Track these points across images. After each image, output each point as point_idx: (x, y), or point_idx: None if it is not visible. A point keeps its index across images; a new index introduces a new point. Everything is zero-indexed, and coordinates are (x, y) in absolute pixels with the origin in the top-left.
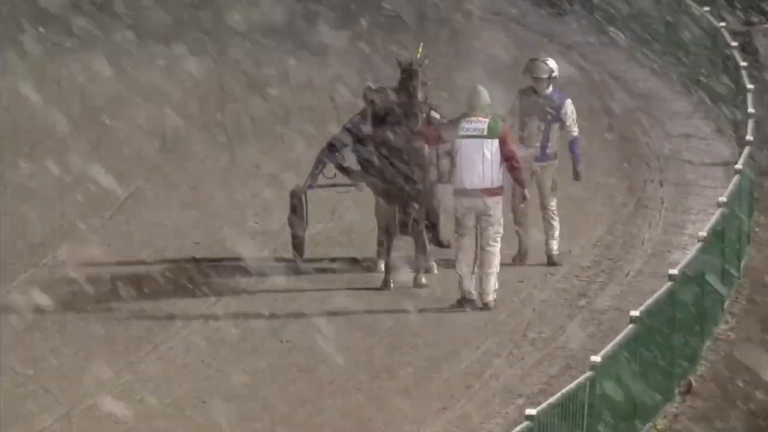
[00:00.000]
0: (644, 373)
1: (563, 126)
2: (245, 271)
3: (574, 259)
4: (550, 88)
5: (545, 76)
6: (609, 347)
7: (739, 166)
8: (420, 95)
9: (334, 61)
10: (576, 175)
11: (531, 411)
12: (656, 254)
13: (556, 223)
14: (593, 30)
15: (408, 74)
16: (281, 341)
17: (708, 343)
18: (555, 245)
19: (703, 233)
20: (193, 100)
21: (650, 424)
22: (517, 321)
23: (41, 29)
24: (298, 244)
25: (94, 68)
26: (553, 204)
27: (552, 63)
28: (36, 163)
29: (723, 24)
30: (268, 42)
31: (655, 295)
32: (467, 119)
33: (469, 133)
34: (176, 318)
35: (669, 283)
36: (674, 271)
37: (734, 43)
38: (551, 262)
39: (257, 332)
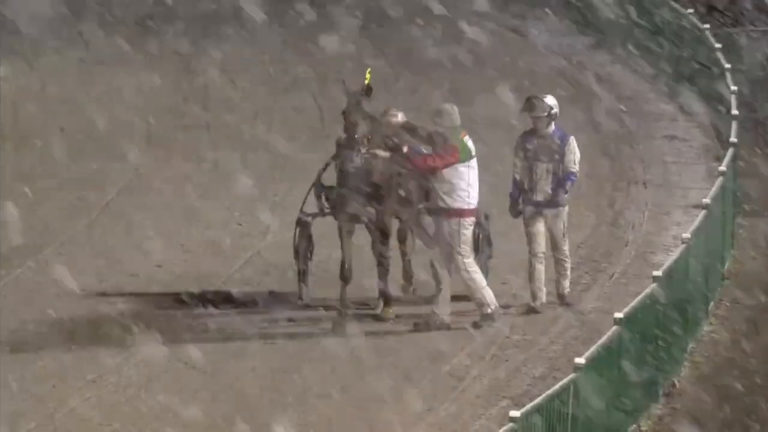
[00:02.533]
0: (628, 374)
1: (566, 162)
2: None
3: None
4: (552, 127)
5: (544, 114)
6: (593, 349)
7: (722, 167)
8: (361, 126)
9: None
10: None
11: (515, 412)
12: (640, 256)
13: (568, 264)
14: (575, 32)
15: (349, 104)
16: (266, 343)
17: (692, 344)
18: (567, 283)
19: (686, 234)
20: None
21: (635, 425)
22: (501, 322)
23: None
24: (302, 278)
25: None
26: (566, 248)
27: (550, 100)
28: None
29: (707, 26)
30: None
31: (640, 297)
32: (465, 138)
33: (474, 152)
34: (161, 319)
35: (653, 285)
36: (658, 273)
37: (718, 45)
38: (563, 301)
39: (242, 334)
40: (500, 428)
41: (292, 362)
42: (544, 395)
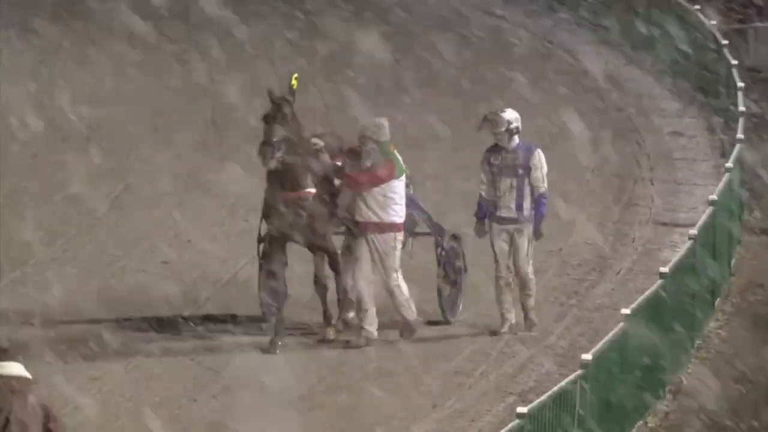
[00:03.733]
0: (635, 371)
1: (532, 179)
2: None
3: (564, 257)
4: (515, 141)
5: (503, 128)
6: (600, 345)
7: (729, 164)
8: (278, 130)
9: None
10: (537, 235)
11: (522, 409)
12: (647, 252)
13: (532, 284)
14: (584, 28)
15: (271, 108)
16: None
17: (699, 341)
18: (532, 302)
19: (693, 231)
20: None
21: (641, 422)
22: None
23: None
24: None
25: None
26: (529, 270)
27: (509, 114)
28: None
29: (713, 22)
30: None
31: (646, 293)
32: (396, 151)
33: (404, 166)
34: (162, 318)
35: (660, 281)
36: (665, 269)
37: (725, 42)
38: (528, 325)
39: (244, 326)
40: (507, 424)
41: (299, 359)
42: (551, 391)
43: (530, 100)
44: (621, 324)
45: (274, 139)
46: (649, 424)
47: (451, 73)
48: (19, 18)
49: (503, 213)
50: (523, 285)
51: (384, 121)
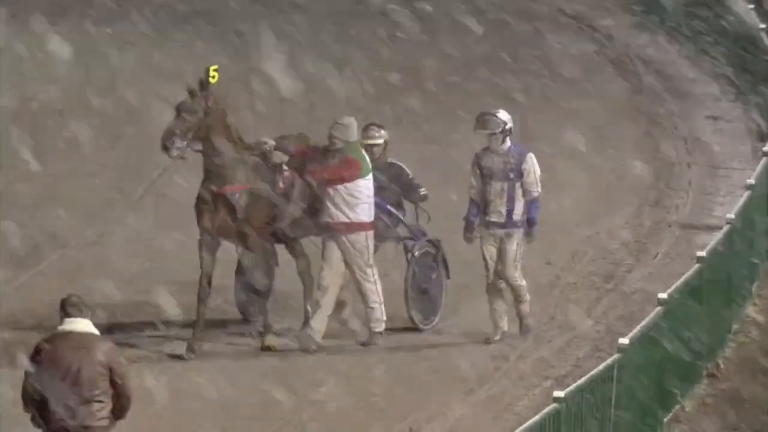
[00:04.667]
0: (672, 355)
1: (524, 183)
2: None
3: (601, 242)
4: (507, 143)
5: (498, 130)
6: (637, 329)
7: (767, 148)
8: (180, 121)
9: None
10: (530, 237)
11: (559, 393)
12: (684, 236)
13: (523, 288)
14: (620, 10)
15: (186, 99)
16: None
17: (736, 325)
18: (526, 308)
19: (731, 215)
20: None
21: (678, 406)
22: (545, 303)
23: None
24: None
25: None
26: (516, 275)
27: (503, 115)
28: None
29: (751, 6)
30: None
31: (683, 277)
32: (364, 151)
33: (371, 165)
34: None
35: (697, 266)
36: (702, 254)
37: (763, 25)
38: (523, 330)
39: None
40: (544, 409)
41: (337, 340)
42: (587, 376)
43: (565, 75)
44: (658, 308)
45: (177, 130)
46: (686, 409)
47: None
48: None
49: (493, 218)
50: (513, 291)
51: (352, 121)
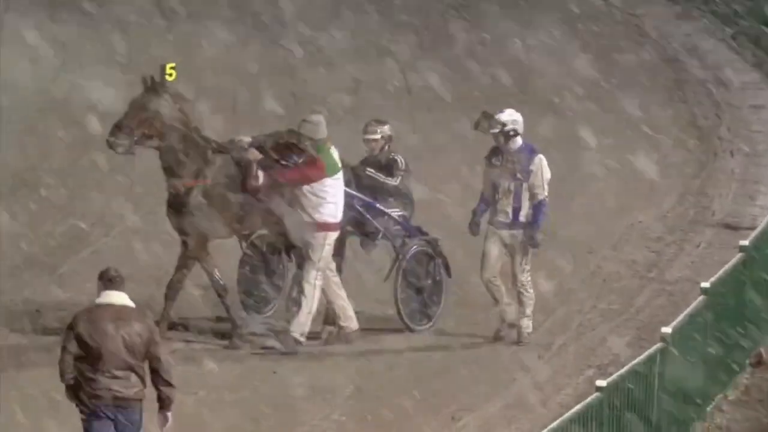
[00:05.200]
0: (715, 344)
1: (530, 185)
2: None
3: (644, 231)
4: (518, 143)
5: (497, 130)
6: (680, 318)
7: None
8: (129, 117)
9: None
10: (532, 244)
11: (601, 382)
12: (727, 225)
13: (527, 300)
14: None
15: (142, 95)
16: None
17: None
18: (527, 323)
19: None
20: None
21: (721, 395)
22: (587, 292)
23: None
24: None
25: None
26: (524, 278)
27: (506, 115)
28: None
29: None
30: None
31: (726, 266)
32: (332, 149)
33: (340, 164)
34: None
35: (740, 254)
36: (745, 243)
37: None
38: (519, 339)
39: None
40: (587, 397)
41: (377, 333)
42: (630, 365)
43: (606, 64)
44: (700, 297)
45: (124, 126)
46: (729, 397)
47: None
48: None
49: (500, 217)
50: (518, 299)
51: (320, 119)
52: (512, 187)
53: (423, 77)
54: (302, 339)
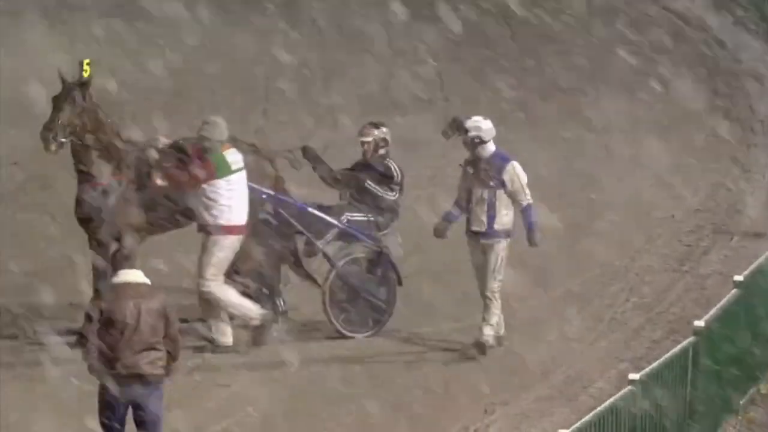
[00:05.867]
0: (748, 337)
1: (508, 193)
2: None
3: (677, 224)
4: (488, 150)
5: (471, 135)
6: (713, 312)
7: None
8: (63, 114)
9: None
10: (531, 242)
11: (634, 375)
12: (760, 218)
13: (495, 309)
14: None
15: (61, 92)
16: None
17: None
18: (488, 331)
19: None
20: None
21: (754, 389)
22: (620, 285)
23: None
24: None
25: None
26: (494, 286)
27: (471, 122)
28: None
29: None
30: None
31: (760, 259)
32: (227, 152)
33: (239, 166)
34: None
35: None
36: None
37: None
38: (479, 349)
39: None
40: (619, 391)
41: (408, 328)
42: (663, 358)
43: (641, 55)
44: (734, 291)
45: (59, 123)
46: (762, 391)
47: None
48: None
49: (474, 226)
50: (484, 306)
51: (220, 120)
52: (485, 195)
53: None
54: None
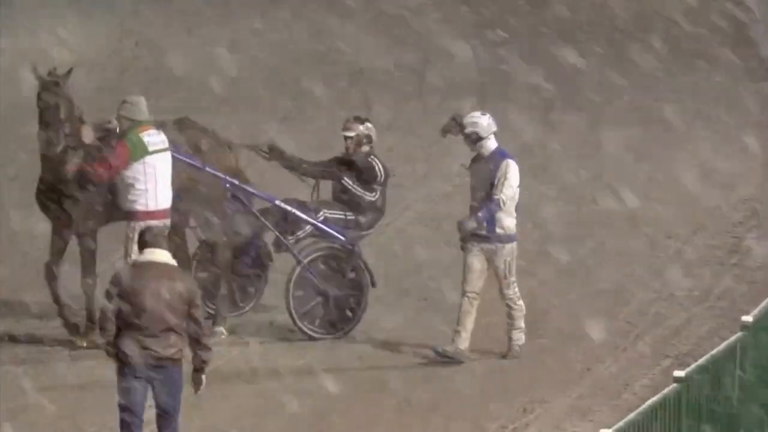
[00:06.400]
0: None
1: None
2: None
3: (724, 216)
4: (489, 147)
5: (467, 132)
6: (761, 306)
7: None
8: (63, 108)
9: None
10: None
11: (679, 372)
12: None
13: (517, 312)
14: None
15: (43, 86)
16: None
17: None
18: (517, 335)
19: None
20: None
21: None
22: (665, 279)
23: None
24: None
25: None
26: (511, 292)
27: (468, 117)
28: None
29: None
30: None
31: None
32: (145, 132)
33: (158, 147)
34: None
35: None
36: None
37: None
38: (510, 353)
39: None
40: (663, 389)
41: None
42: (709, 354)
43: (685, 46)
44: None
45: (61, 117)
46: None
47: None
48: None
49: (478, 228)
50: (507, 312)
51: (141, 99)
52: (484, 196)
53: None
54: None
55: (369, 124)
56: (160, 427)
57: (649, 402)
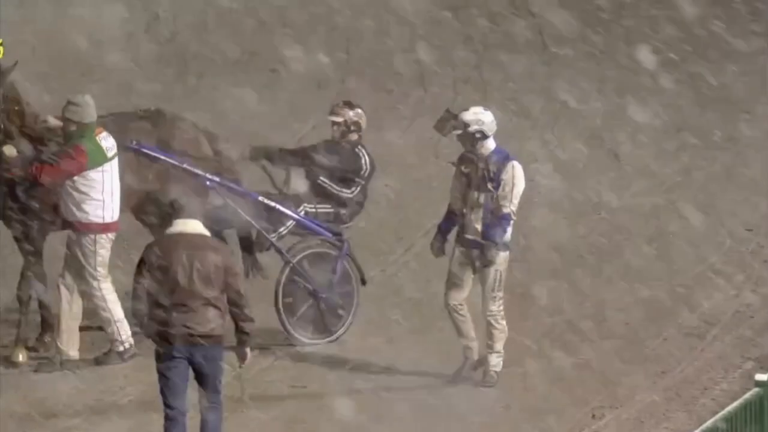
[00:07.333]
0: None
1: (498, 195)
2: None
3: None
4: (489, 146)
5: (460, 131)
6: None
7: None
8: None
9: None
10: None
11: (761, 376)
12: None
13: (499, 333)
14: None
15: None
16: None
17: None
18: (495, 360)
19: None
20: None
21: None
22: (745, 275)
23: None
24: None
25: None
26: (495, 308)
27: (471, 113)
28: None
29: None
30: None
31: None
32: (100, 136)
33: (113, 152)
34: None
35: None
36: None
37: None
38: (485, 380)
39: None
40: (744, 393)
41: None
42: None
43: (705, 38)
44: None
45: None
46: None
47: None
48: None
49: (468, 234)
50: (487, 332)
51: (88, 99)
52: (482, 200)
53: None
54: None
55: (359, 110)
56: (203, 410)
57: (729, 408)
